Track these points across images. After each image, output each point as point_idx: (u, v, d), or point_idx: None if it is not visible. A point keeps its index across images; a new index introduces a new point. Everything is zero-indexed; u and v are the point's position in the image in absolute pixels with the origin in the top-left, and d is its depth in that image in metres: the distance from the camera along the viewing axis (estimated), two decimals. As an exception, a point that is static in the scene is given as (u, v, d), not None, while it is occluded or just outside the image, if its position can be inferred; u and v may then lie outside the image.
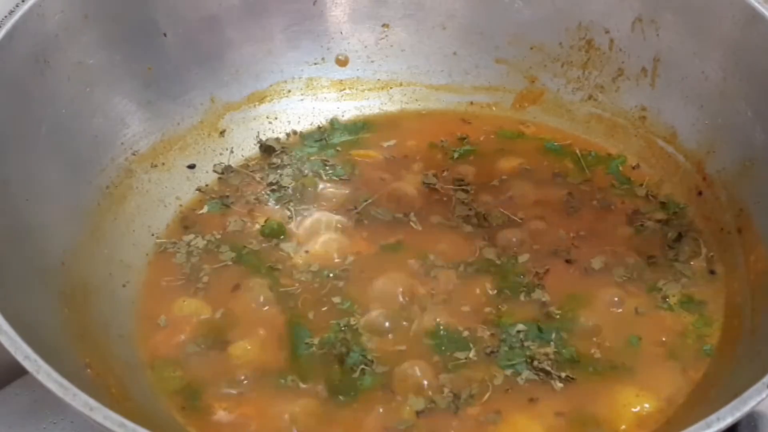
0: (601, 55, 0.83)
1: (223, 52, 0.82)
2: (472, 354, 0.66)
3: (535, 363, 0.65)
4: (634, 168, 0.81)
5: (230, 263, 0.73)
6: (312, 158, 0.82)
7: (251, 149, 0.83)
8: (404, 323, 0.68)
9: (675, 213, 0.76)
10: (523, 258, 0.72)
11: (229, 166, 0.81)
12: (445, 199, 0.78)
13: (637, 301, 0.69)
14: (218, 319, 0.69)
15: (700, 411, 0.56)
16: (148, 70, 0.78)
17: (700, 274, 0.72)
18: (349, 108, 0.86)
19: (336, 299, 0.70)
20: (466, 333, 0.67)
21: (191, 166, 0.80)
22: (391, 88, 0.87)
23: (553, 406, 0.63)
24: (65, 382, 0.51)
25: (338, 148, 0.83)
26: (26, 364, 0.52)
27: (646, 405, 0.63)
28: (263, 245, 0.74)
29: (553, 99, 0.85)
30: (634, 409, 0.63)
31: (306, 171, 0.81)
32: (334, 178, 0.80)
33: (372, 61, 0.87)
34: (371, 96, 0.87)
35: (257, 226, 0.76)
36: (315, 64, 0.86)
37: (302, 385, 0.64)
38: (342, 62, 0.86)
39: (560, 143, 0.83)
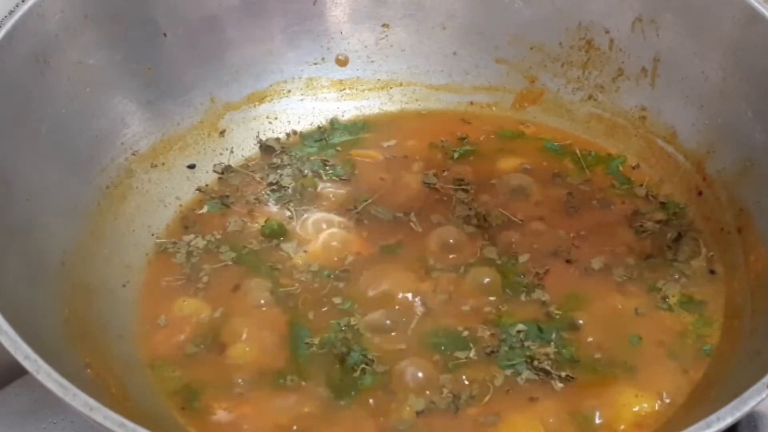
0: (601, 55, 0.83)
1: (223, 52, 0.82)
2: (472, 354, 0.66)
3: (535, 363, 0.65)
4: (634, 168, 0.81)
5: (230, 263, 0.73)
6: (312, 158, 0.82)
7: (251, 149, 0.83)
8: (404, 323, 0.68)
9: (675, 213, 0.76)
10: (523, 258, 0.72)
11: (229, 166, 0.81)
12: (445, 199, 0.78)
13: (637, 301, 0.69)
14: (218, 319, 0.69)
15: (700, 411, 0.56)
16: (148, 70, 0.78)
17: (700, 274, 0.72)
18: (349, 108, 0.86)
19: (336, 299, 0.70)
20: (465, 333, 0.67)
21: (191, 166, 0.80)
22: (391, 88, 0.87)
23: (553, 406, 0.63)
24: (65, 382, 0.51)
25: (338, 148, 0.83)
26: (26, 364, 0.52)
27: (646, 405, 0.63)
28: (263, 245, 0.74)
29: (553, 99, 0.85)
30: (634, 409, 0.63)
31: (306, 171, 0.81)
32: (334, 178, 0.80)
33: (372, 61, 0.87)
34: (371, 96, 0.87)
35: (257, 226, 0.76)
36: (315, 64, 0.86)
37: (302, 385, 0.64)
38: (342, 62, 0.86)
39: (560, 143, 0.83)
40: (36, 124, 0.68)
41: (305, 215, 0.77)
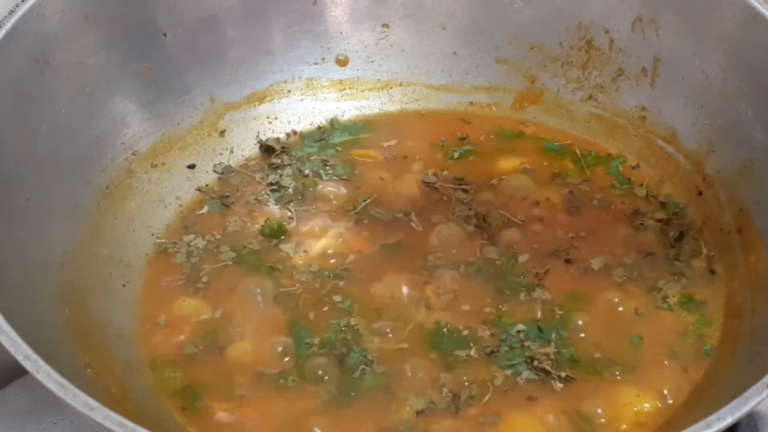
0: (601, 55, 0.83)
1: (223, 52, 0.82)
2: (472, 352, 0.66)
3: (535, 363, 0.65)
4: (634, 168, 0.81)
5: (230, 263, 0.73)
6: (312, 158, 0.82)
7: (251, 149, 0.83)
8: (404, 323, 0.68)
9: (675, 213, 0.76)
10: (523, 258, 0.72)
11: (229, 166, 0.81)
12: (445, 198, 0.78)
13: (637, 301, 0.69)
14: (218, 319, 0.69)
15: (700, 411, 0.56)
16: (148, 70, 0.78)
17: (700, 274, 0.72)
18: (349, 108, 0.86)
19: (337, 299, 0.70)
20: (466, 332, 0.67)
21: (191, 166, 0.80)
22: (391, 88, 0.87)
23: (553, 406, 0.63)
24: (65, 382, 0.51)
25: (338, 148, 0.83)
26: (26, 364, 0.52)
27: (646, 405, 0.63)
28: (263, 245, 0.74)
29: (553, 99, 0.85)
30: (634, 409, 0.63)
31: (306, 171, 0.81)
32: (334, 178, 0.80)
33: (372, 61, 0.87)
34: (371, 96, 0.87)
35: (257, 227, 0.76)
36: (315, 64, 0.86)
37: (303, 385, 0.64)
38: (342, 62, 0.86)
39: (560, 143, 0.83)
40: (36, 124, 0.68)
41: (305, 215, 0.77)
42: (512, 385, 0.64)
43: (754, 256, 0.69)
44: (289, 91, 0.85)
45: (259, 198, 0.79)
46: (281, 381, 0.65)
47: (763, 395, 0.51)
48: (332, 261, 0.73)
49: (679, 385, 0.64)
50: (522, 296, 0.70)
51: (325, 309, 0.69)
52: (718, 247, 0.73)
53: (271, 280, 0.71)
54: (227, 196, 0.79)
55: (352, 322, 0.68)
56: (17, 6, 0.69)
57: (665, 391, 0.64)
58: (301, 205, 0.78)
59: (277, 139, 0.84)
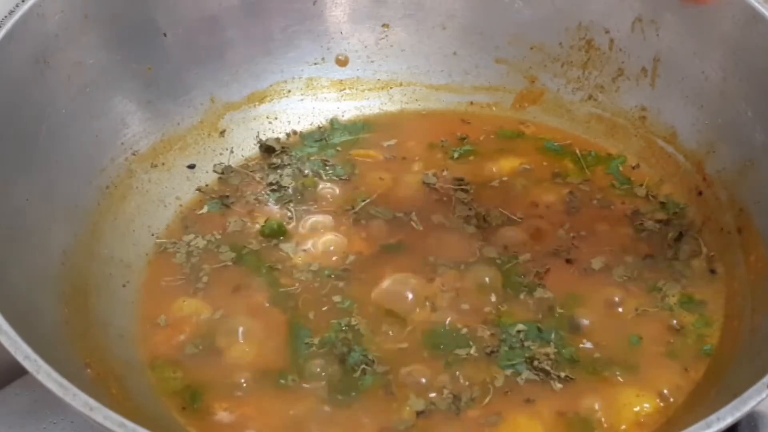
0: (601, 55, 0.83)
1: (223, 52, 0.82)
2: (473, 351, 0.66)
3: (535, 363, 0.65)
4: (634, 168, 0.81)
5: (230, 263, 0.73)
6: (312, 158, 0.82)
7: (251, 149, 0.83)
8: (405, 323, 0.68)
9: (675, 213, 0.76)
10: (523, 258, 0.72)
11: (229, 166, 0.81)
12: (445, 199, 0.78)
13: (637, 301, 0.69)
14: (218, 319, 0.69)
15: (700, 411, 0.56)
16: (148, 70, 0.78)
17: (700, 274, 0.72)
18: (349, 108, 0.86)
19: (336, 299, 0.70)
20: (465, 330, 0.67)
21: (191, 166, 0.80)
22: (391, 88, 0.87)
23: (553, 406, 0.63)
24: (65, 382, 0.51)
25: (338, 148, 0.83)
26: (26, 364, 0.52)
27: (646, 405, 0.63)
28: (263, 245, 0.74)
29: (553, 99, 0.85)
30: (634, 409, 0.63)
31: (306, 171, 0.81)
32: (334, 178, 0.80)
33: (372, 61, 0.87)
34: (371, 96, 0.87)
35: (257, 227, 0.76)
36: (315, 64, 0.86)
37: (303, 385, 0.65)
38: (342, 62, 0.86)
39: (560, 143, 0.83)
40: (36, 124, 0.68)
41: (305, 215, 0.77)
42: (512, 385, 0.64)
43: (754, 256, 0.69)
44: (289, 91, 0.85)
45: (259, 198, 0.79)
46: (281, 381, 0.65)
47: (763, 395, 0.51)
48: (332, 261, 0.73)
49: (679, 385, 0.64)
50: (522, 296, 0.70)
51: (325, 309, 0.69)
52: (718, 247, 0.73)
53: (271, 280, 0.71)
54: (227, 196, 0.79)
55: (353, 322, 0.68)
56: (17, 6, 0.69)
57: (665, 391, 0.64)
58: (301, 205, 0.78)
59: (277, 139, 0.84)
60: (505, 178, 0.80)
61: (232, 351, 0.67)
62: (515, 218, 0.76)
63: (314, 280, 0.71)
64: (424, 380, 0.64)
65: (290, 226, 0.76)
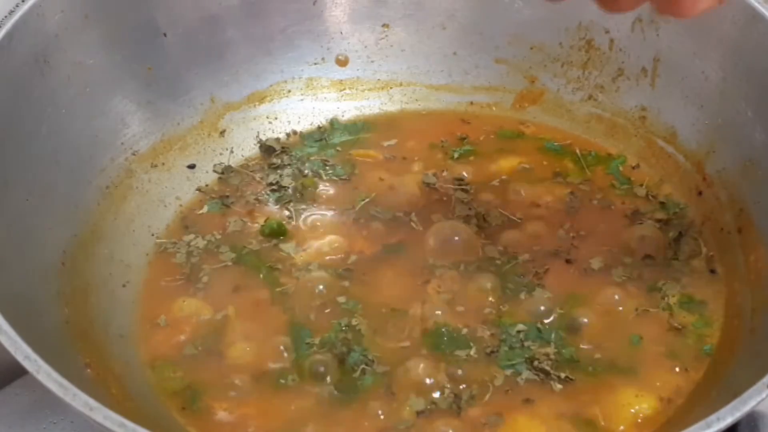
0: (601, 55, 0.83)
1: (223, 52, 0.82)
2: (472, 352, 0.66)
3: (535, 363, 0.65)
4: (634, 168, 0.81)
5: (230, 263, 0.73)
6: (312, 158, 0.82)
7: (251, 149, 0.83)
8: (405, 323, 0.68)
9: (675, 213, 0.76)
10: (523, 258, 0.72)
11: (229, 166, 0.81)
12: (444, 198, 0.78)
13: (637, 301, 0.69)
14: (218, 319, 0.69)
15: (700, 411, 0.56)
16: (148, 70, 0.78)
17: (700, 274, 0.72)
18: (349, 108, 0.86)
19: (341, 299, 0.70)
20: (465, 330, 0.67)
21: (191, 166, 0.80)
22: (391, 88, 0.87)
23: (553, 406, 0.63)
24: (65, 382, 0.51)
25: (338, 148, 0.83)
26: (26, 364, 0.52)
27: (646, 405, 0.63)
28: (263, 245, 0.74)
29: (553, 99, 0.85)
30: (633, 410, 0.63)
31: (306, 171, 0.81)
32: (334, 178, 0.80)
33: (372, 61, 0.87)
34: (371, 96, 0.87)
35: (257, 226, 0.76)
36: (315, 64, 0.86)
37: (303, 385, 0.64)
38: (342, 62, 0.86)
39: (560, 143, 0.83)
40: (36, 124, 0.68)
41: (305, 215, 0.77)
42: (512, 385, 0.64)
43: (754, 256, 0.69)
44: (289, 91, 0.85)
45: (259, 198, 0.79)
46: (281, 381, 0.65)
47: (763, 395, 0.51)
48: (332, 261, 0.73)
49: (679, 385, 0.64)
50: (522, 296, 0.70)
51: (326, 309, 0.69)
52: (718, 247, 0.73)
53: (271, 280, 0.71)
54: (227, 196, 0.79)
55: (353, 322, 0.68)
56: (17, 6, 0.69)
57: (665, 392, 0.64)
58: (301, 205, 0.78)
59: (277, 139, 0.84)
60: (505, 178, 0.80)
61: (232, 351, 0.67)
62: (515, 218, 0.76)
63: (314, 280, 0.71)
64: (424, 380, 0.64)
65: (290, 226, 0.76)
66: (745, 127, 0.73)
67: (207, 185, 0.80)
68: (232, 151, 0.82)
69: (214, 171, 0.81)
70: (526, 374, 0.65)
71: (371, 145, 0.83)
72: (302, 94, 0.85)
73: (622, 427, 0.62)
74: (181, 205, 0.78)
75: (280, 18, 0.83)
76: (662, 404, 0.63)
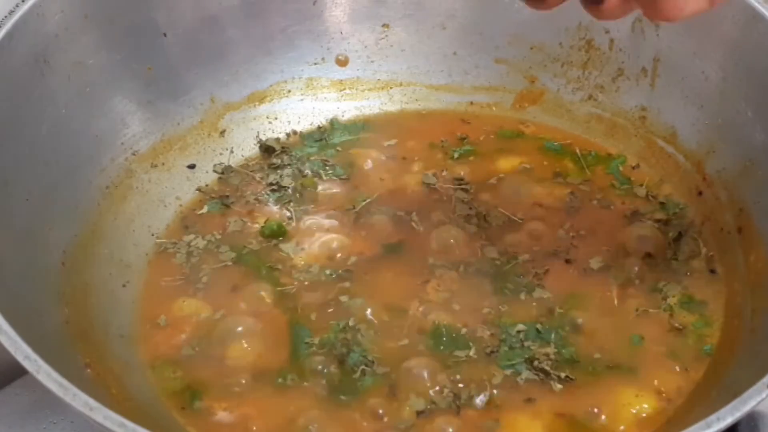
0: (601, 55, 0.83)
1: (223, 52, 0.82)
2: (472, 352, 0.66)
3: (535, 363, 0.65)
4: (634, 168, 0.81)
5: (230, 263, 0.73)
6: (312, 158, 0.82)
7: (251, 149, 0.83)
8: (405, 323, 0.68)
9: (675, 213, 0.76)
10: (523, 258, 0.72)
11: (229, 166, 0.81)
12: (444, 198, 0.78)
13: (637, 301, 0.69)
14: (218, 319, 0.69)
15: (700, 411, 0.56)
16: (148, 70, 0.78)
17: (700, 274, 0.72)
18: (349, 108, 0.86)
19: (343, 298, 0.70)
20: (464, 330, 0.67)
21: (191, 166, 0.80)
22: (391, 88, 0.87)
23: (552, 406, 0.63)
24: (65, 382, 0.51)
25: (338, 148, 0.83)
26: (26, 364, 0.52)
27: (646, 405, 0.63)
28: (263, 245, 0.74)
29: (553, 99, 0.85)
30: (633, 410, 0.63)
31: (306, 171, 0.81)
32: (334, 178, 0.80)
33: (372, 61, 0.87)
34: (371, 96, 0.87)
35: (257, 227, 0.76)
36: (315, 64, 0.86)
37: (303, 385, 0.64)
38: (342, 62, 0.86)
39: (560, 143, 0.83)
40: (36, 124, 0.68)
41: (305, 215, 0.77)
42: (512, 385, 0.64)
43: (754, 256, 0.69)
44: (289, 91, 0.85)
45: (259, 198, 0.79)
46: (281, 381, 0.65)
47: (763, 395, 0.51)
48: (333, 261, 0.73)
49: (679, 385, 0.64)
50: (522, 296, 0.70)
51: (325, 309, 0.69)
52: (718, 247, 0.73)
53: (271, 280, 0.71)
54: (227, 196, 0.79)
55: (352, 323, 0.68)
56: (17, 6, 0.69)
57: (665, 391, 0.64)
58: (301, 205, 0.78)
59: (277, 139, 0.84)
60: (504, 178, 0.80)
61: (232, 351, 0.67)
62: (515, 218, 0.76)
63: (315, 280, 0.71)
64: (424, 380, 0.64)
65: (290, 226, 0.76)
66: (745, 127, 0.73)
67: (207, 185, 0.80)
68: (232, 151, 0.82)
69: (214, 171, 0.81)
70: (526, 374, 0.65)
71: (371, 145, 0.83)
72: (302, 94, 0.85)
73: (622, 427, 0.62)
74: (181, 205, 0.78)
75: (280, 18, 0.83)
76: (662, 404, 0.63)
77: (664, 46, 0.79)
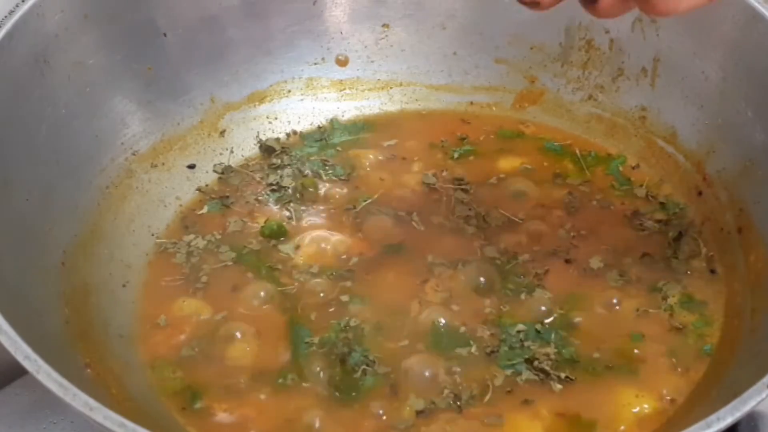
0: (601, 55, 0.83)
1: (223, 52, 0.82)
2: (473, 350, 0.66)
3: (535, 363, 0.65)
4: (634, 168, 0.81)
5: (230, 263, 0.73)
6: (312, 158, 0.82)
7: (251, 149, 0.83)
8: (405, 323, 0.68)
9: (675, 213, 0.76)
10: (523, 258, 0.72)
11: (229, 166, 0.81)
12: (444, 198, 0.78)
13: (637, 301, 0.69)
14: (218, 319, 0.69)
15: (700, 411, 0.56)
16: (148, 70, 0.78)
17: (700, 274, 0.72)
18: (349, 108, 0.86)
19: (344, 298, 0.70)
20: (463, 329, 0.67)
21: (191, 166, 0.80)
22: (391, 88, 0.87)
23: (553, 406, 0.63)
24: (65, 382, 0.51)
25: (338, 148, 0.83)
26: (26, 364, 0.52)
27: (646, 405, 0.63)
28: (263, 245, 0.74)
29: (553, 99, 0.85)
30: (633, 410, 0.63)
31: (306, 171, 0.81)
32: (334, 178, 0.80)
33: (372, 61, 0.87)
34: (371, 96, 0.87)
35: (257, 226, 0.76)
36: (315, 64, 0.86)
37: (303, 385, 0.64)
38: (342, 62, 0.86)
39: (560, 143, 0.83)
40: (36, 124, 0.68)
41: (305, 215, 0.77)
42: (512, 385, 0.64)
43: (754, 256, 0.69)
44: (289, 91, 0.85)
45: (259, 198, 0.79)
46: (281, 381, 0.65)
47: (763, 395, 0.51)
48: (333, 261, 0.73)
49: (679, 385, 0.64)
50: (522, 296, 0.70)
51: (326, 309, 0.69)
52: (718, 247, 0.73)
53: (271, 280, 0.71)
54: (227, 196, 0.79)
55: (353, 323, 0.68)
56: (17, 6, 0.69)
57: (665, 391, 0.64)
58: (301, 205, 0.78)
59: (277, 139, 0.84)
60: (504, 178, 0.80)
61: (232, 351, 0.67)
62: (515, 218, 0.76)
63: (315, 280, 0.71)
64: (424, 380, 0.64)
65: (290, 227, 0.76)
66: (745, 127, 0.73)
67: (207, 185, 0.80)
68: (232, 151, 0.82)
69: (214, 171, 0.81)
70: (526, 374, 0.64)
71: (371, 145, 0.83)
72: (302, 94, 0.85)
73: (622, 427, 0.62)
74: (181, 205, 0.78)
75: (280, 18, 0.83)
76: (662, 404, 0.63)
77: (664, 46, 0.79)
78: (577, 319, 0.68)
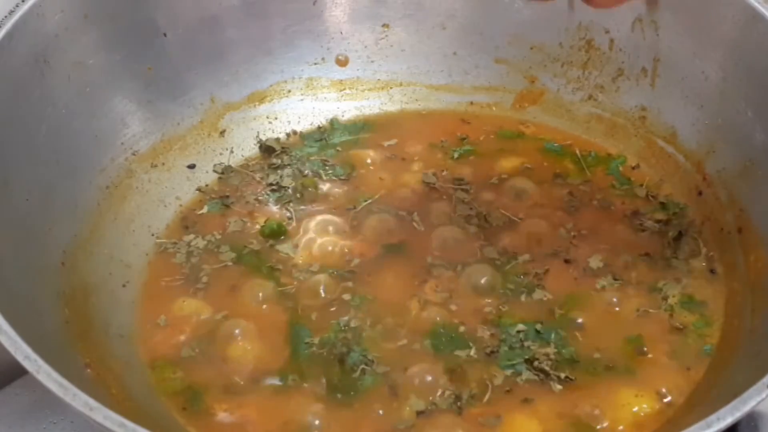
0: (601, 55, 0.83)
1: (223, 52, 0.82)
2: (472, 352, 0.66)
3: (535, 363, 0.65)
4: (634, 168, 0.81)
5: (230, 263, 0.73)
6: (312, 158, 0.82)
7: (251, 149, 0.83)
8: (405, 323, 0.68)
9: (675, 213, 0.76)
10: (523, 258, 0.72)
11: (229, 166, 0.81)
12: (444, 198, 0.78)
13: (637, 301, 0.69)
14: (218, 319, 0.69)
15: (700, 411, 0.56)
16: (148, 70, 0.78)
17: (700, 274, 0.72)
18: (349, 108, 0.86)
19: (346, 296, 0.70)
20: (463, 329, 0.67)
21: (191, 166, 0.80)
22: (391, 88, 0.87)
23: (553, 406, 0.63)
24: (65, 382, 0.51)
25: (338, 148, 0.83)
26: (26, 364, 0.52)
27: (646, 405, 0.63)
28: (263, 245, 0.74)
29: (553, 99, 0.85)
30: (633, 410, 0.63)
31: (306, 171, 0.81)
32: (334, 178, 0.80)
33: (372, 61, 0.87)
34: (371, 96, 0.87)
35: (257, 227, 0.76)
36: (315, 64, 0.86)
37: (303, 385, 0.64)
38: (342, 62, 0.86)
39: (560, 143, 0.83)
40: (36, 124, 0.68)
41: (305, 215, 0.77)
42: (512, 385, 0.64)
43: (754, 256, 0.69)
44: (289, 91, 0.85)
45: (259, 198, 0.79)
46: (281, 381, 0.65)
47: (763, 395, 0.51)
48: (333, 261, 0.73)
49: (679, 385, 0.64)
50: (522, 296, 0.70)
51: (326, 309, 0.69)
52: (718, 247, 0.73)
53: (272, 280, 0.71)
54: (227, 196, 0.79)
55: (352, 323, 0.68)
56: (17, 6, 0.69)
57: (665, 391, 0.64)
58: (301, 205, 0.78)
59: (277, 139, 0.84)
60: (505, 177, 0.80)
61: (232, 351, 0.67)
62: (515, 218, 0.76)
63: (315, 280, 0.71)
64: (424, 380, 0.64)
65: (290, 227, 0.76)
66: (745, 127, 0.73)
67: (207, 185, 0.80)
68: (232, 151, 0.82)
69: (214, 171, 0.81)
70: (526, 374, 0.64)
71: (371, 145, 0.83)
72: (302, 94, 0.85)
73: (622, 427, 0.62)
74: (181, 205, 0.78)
75: (280, 18, 0.83)
76: (662, 404, 0.63)
77: (664, 46, 0.79)
78: (578, 320, 0.68)
